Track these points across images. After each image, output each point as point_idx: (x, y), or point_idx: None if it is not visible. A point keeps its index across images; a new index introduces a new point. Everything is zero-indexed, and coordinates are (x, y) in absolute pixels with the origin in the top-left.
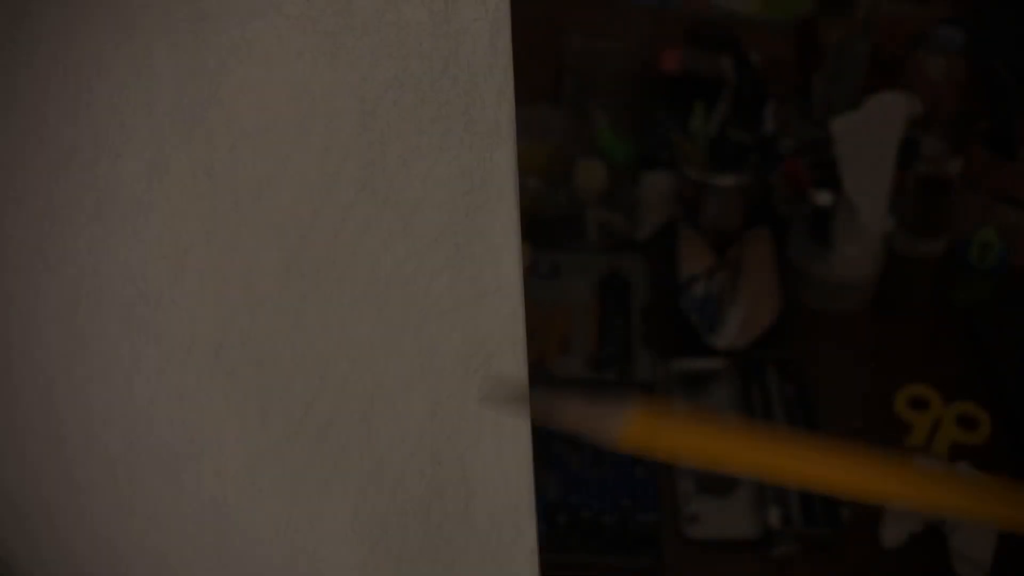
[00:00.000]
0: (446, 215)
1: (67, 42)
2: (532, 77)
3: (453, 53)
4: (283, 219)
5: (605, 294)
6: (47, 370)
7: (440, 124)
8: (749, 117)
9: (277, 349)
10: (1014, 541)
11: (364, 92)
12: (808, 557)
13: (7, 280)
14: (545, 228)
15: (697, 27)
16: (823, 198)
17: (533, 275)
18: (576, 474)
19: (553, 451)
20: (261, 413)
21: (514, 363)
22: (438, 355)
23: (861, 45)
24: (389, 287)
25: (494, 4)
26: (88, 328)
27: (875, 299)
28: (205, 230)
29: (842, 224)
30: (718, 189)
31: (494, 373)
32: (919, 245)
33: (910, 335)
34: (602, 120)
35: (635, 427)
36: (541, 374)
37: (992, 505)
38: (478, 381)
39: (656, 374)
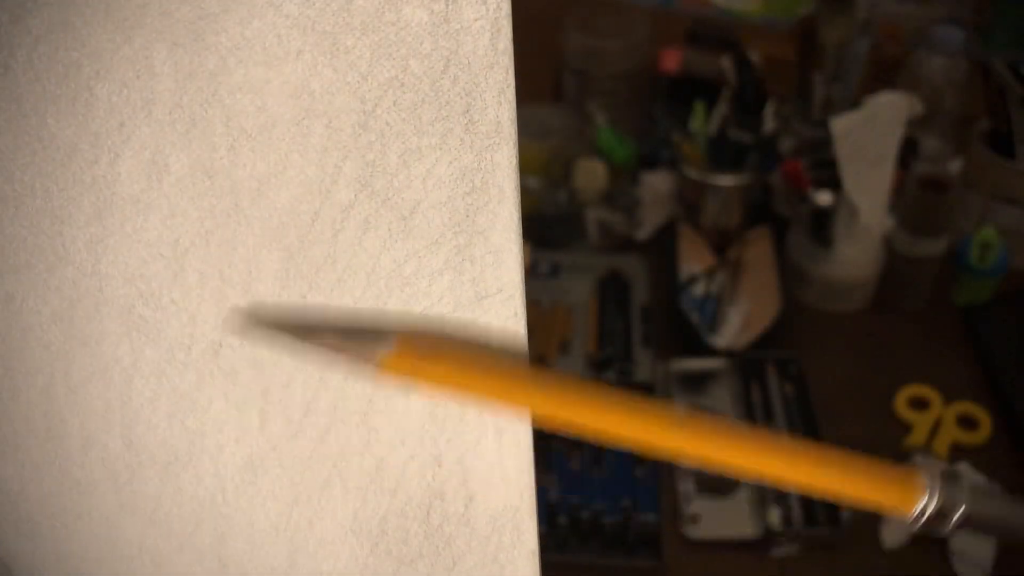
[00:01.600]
0: (446, 216)
1: (67, 42)
2: (532, 77)
3: (454, 53)
4: (283, 219)
5: (605, 294)
6: (47, 370)
7: (440, 124)
8: (749, 117)
9: (277, 349)
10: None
11: (364, 92)
12: (808, 557)
13: (7, 280)
14: (545, 228)
15: (697, 27)
16: (823, 198)
17: (533, 275)
18: (576, 474)
19: (553, 451)
20: (261, 414)
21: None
22: None
23: (861, 45)
24: (389, 288)
25: (495, 4)
26: (88, 328)
27: (875, 299)
28: (205, 230)
29: (842, 224)
30: (718, 189)
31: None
32: (919, 245)
33: (910, 335)
34: (602, 120)
35: (397, 356)
36: None
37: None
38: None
39: (656, 374)
